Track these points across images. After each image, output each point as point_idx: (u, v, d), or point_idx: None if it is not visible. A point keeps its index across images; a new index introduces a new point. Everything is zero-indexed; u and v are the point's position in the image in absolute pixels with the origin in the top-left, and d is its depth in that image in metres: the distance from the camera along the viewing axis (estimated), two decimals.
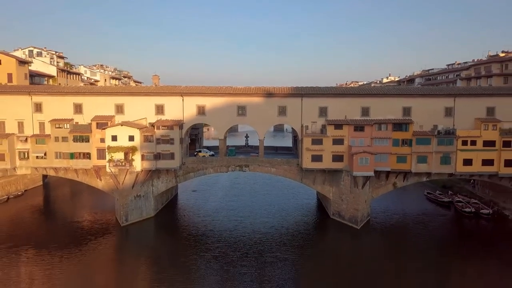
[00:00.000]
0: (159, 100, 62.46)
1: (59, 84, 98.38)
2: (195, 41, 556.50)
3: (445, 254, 50.54)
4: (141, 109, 62.08)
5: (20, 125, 61.92)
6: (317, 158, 60.14)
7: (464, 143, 58.73)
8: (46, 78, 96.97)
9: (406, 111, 60.94)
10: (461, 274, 45.28)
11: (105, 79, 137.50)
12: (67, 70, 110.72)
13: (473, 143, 58.75)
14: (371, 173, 57.21)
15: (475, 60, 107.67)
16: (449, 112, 60.92)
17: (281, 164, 63.78)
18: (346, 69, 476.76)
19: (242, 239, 55.08)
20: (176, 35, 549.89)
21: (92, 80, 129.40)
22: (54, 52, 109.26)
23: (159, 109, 62.29)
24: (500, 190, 66.27)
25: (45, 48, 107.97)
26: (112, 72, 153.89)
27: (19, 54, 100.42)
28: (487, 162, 58.92)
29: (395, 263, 47.67)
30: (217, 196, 78.11)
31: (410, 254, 50.37)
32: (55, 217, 67.26)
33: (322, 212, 67.84)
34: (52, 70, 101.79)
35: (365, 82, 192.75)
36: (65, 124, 60.60)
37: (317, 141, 59.97)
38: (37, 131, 61.97)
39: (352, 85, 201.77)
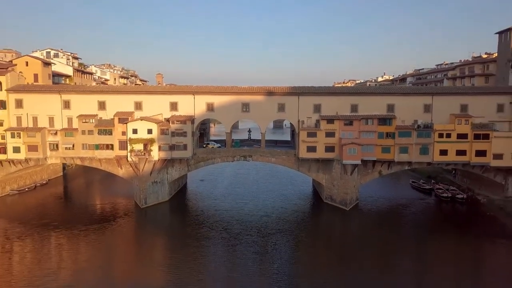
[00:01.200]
0: (173, 98, 70.54)
1: (75, 83, 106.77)
2: (195, 40, 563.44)
3: (424, 229, 59.58)
4: (157, 106, 70.14)
5: (51, 120, 69.87)
6: (311, 149, 68.31)
7: (440, 135, 66.62)
8: (63, 78, 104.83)
9: (390, 107, 68.91)
10: (437, 244, 53.31)
11: (115, 78, 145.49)
12: (82, 70, 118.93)
13: (448, 135, 66.55)
14: (359, 162, 65.66)
15: (462, 61, 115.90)
16: (427, 108, 68.90)
17: (281, 155, 72.02)
18: (345, 67, 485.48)
19: (247, 216, 63.77)
20: (175, 34, 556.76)
21: (103, 79, 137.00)
22: (69, 54, 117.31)
23: (173, 106, 70.41)
24: (475, 179, 74.56)
25: (61, 49, 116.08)
26: (120, 71, 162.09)
27: (37, 55, 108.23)
28: (461, 153, 66.84)
29: (378, 235, 56.17)
30: (223, 184, 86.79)
31: (392, 229, 58.91)
32: (78, 201, 75.50)
33: (316, 197, 76.53)
34: (68, 70, 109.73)
35: (362, 81, 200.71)
36: (91, 119, 68.73)
37: (312, 134, 68.13)
38: (65, 125, 69.90)
39: (349, 83, 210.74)
